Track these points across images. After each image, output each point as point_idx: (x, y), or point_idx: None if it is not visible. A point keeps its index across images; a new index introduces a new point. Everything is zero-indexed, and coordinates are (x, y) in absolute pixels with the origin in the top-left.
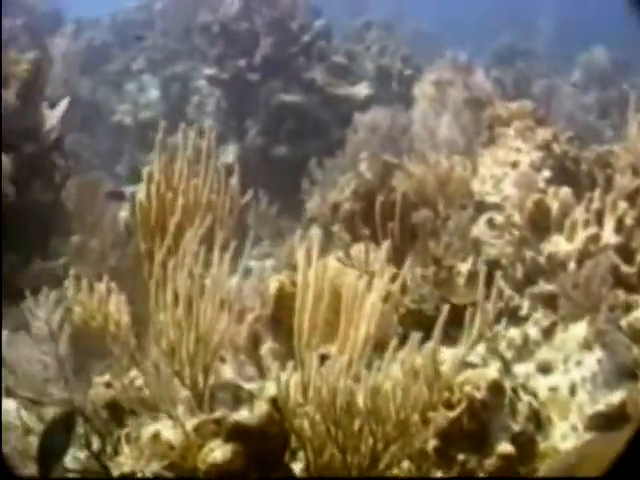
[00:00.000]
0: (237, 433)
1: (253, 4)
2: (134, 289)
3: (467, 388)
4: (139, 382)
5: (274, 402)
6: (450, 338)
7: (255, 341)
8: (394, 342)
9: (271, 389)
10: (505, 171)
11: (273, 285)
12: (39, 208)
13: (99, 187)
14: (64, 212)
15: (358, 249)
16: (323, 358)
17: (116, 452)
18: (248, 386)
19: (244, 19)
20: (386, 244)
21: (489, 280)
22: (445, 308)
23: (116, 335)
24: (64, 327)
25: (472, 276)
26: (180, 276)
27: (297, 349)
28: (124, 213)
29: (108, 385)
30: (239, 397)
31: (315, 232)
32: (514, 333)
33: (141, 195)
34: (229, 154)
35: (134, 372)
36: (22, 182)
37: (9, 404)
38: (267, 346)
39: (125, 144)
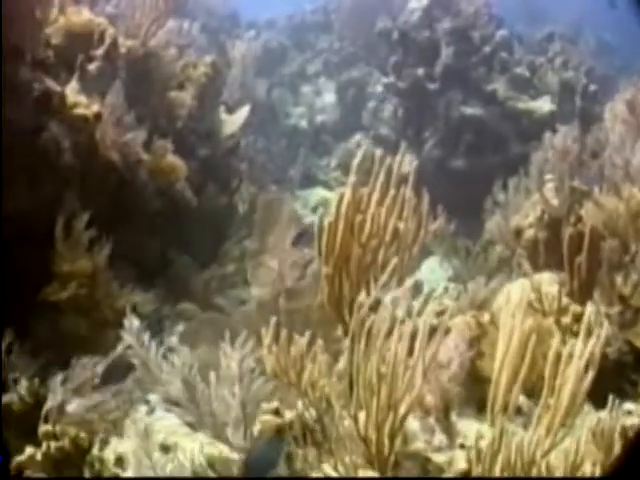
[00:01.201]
0: None
1: (435, 13)
2: (310, 312)
3: None
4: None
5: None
6: (631, 382)
7: (446, 402)
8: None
9: (461, 462)
10: None
11: (459, 328)
12: (213, 212)
13: (282, 206)
14: (237, 217)
15: (547, 284)
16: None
17: None
18: (437, 457)
19: (425, 27)
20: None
21: None
22: None
23: (307, 393)
24: (254, 373)
25: None
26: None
27: (491, 415)
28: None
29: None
30: (426, 468)
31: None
32: None
33: (330, 217)
34: (405, 164)
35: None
36: (197, 185)
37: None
38: (457, 404)
39: (300, 147)
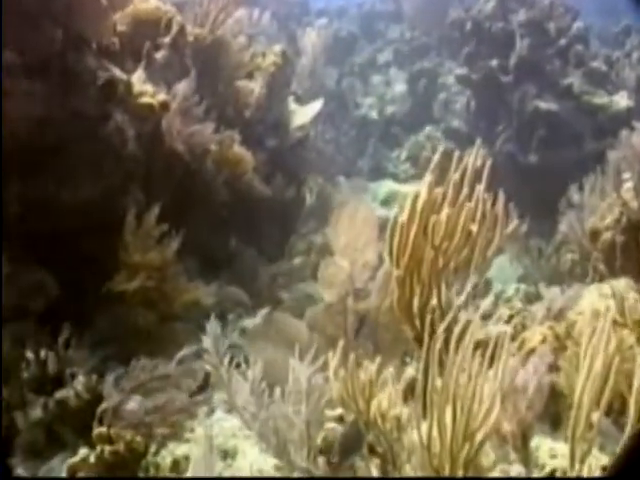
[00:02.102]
0: None
1: (509, 3)
2: (379, 315)
3: None
4: None
5: None
6: None
7: (523, 428)
8: None
9: None
10: None
11: (536, 339)
12: (280, 204)
13: (357, 211)
14: (304, 209)
15: (623, 291)
16: None
17: None
18: None
19: (499, 18)
20: None
21: None
22: None
23: (376, 423)
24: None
25: None
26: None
27: (571, 442)
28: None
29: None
30: None
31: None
32: None
33: (403, 216)
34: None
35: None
36: (264, 177)
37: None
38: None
39: (369, 138)
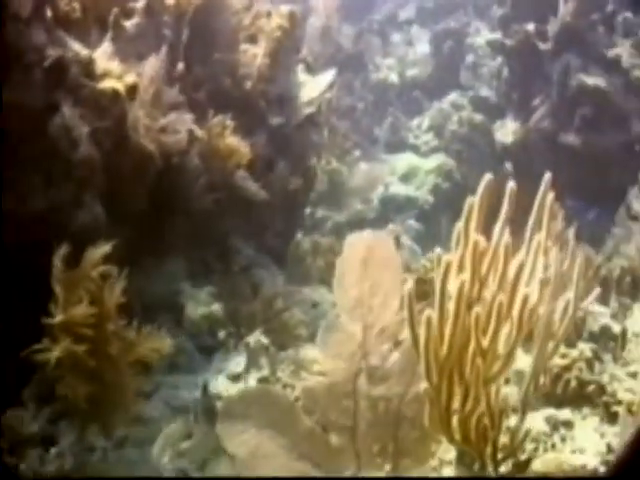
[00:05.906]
0: None
1: None
2: (402, 406)
3: None
4: None
5: None
6: None
7: None
8: None
9: None
10: None
11: None
12: (283, 194)
13: (374, 252)
14: (312, 198)
15: None
16: None
17: None
18: None
19: None
20: None
21: None
22: None
23: None
24: None
25: None
26: None
27: None
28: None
29: None
30: None
31: None
32: None
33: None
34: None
35: None
36: (266, 162)
37: None
38: None
39: (388, 105)
